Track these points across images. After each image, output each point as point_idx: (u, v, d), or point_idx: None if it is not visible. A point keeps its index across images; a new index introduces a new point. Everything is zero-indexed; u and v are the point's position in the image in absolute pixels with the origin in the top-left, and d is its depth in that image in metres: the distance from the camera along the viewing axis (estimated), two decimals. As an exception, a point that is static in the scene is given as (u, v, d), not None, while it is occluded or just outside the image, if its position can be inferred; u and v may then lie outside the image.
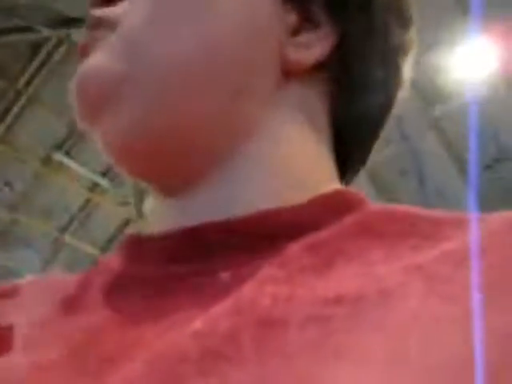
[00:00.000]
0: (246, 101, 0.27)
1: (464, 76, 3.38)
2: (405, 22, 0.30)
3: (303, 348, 0.18)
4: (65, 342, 0.23)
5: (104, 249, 4.75)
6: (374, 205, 0.26)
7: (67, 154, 4.15)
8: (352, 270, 0.21)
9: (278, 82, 0.27)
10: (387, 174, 4.00)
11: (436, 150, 3.81)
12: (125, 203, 4.29)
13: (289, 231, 0.24)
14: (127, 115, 0.26)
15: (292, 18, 0.27)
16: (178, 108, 0.26)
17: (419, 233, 0.23)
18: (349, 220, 0.24)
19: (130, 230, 0.30)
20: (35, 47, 3.69)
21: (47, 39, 3.65)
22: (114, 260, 0.28)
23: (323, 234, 0.24)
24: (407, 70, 0.31)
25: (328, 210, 0.25)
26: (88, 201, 4.50)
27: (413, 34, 0.31)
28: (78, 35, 3.53)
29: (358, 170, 0.32)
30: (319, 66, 0.28)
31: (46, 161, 4.19)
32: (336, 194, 0.26)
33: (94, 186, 4.43)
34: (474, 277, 0.19)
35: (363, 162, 0.32)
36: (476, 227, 0.21)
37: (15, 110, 3.87)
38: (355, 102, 0.29)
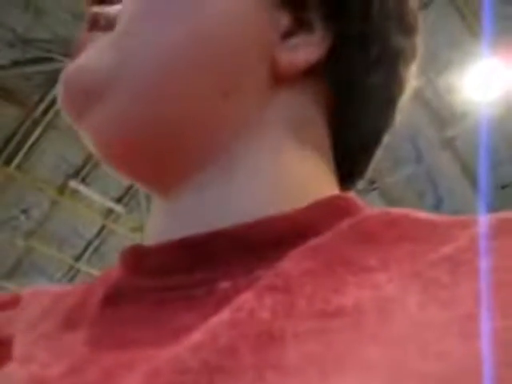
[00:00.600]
0: (235, 102, 0.26)
1: (477, 96, 3.38)
2: (406, 29, 0.30)
3: (302, 361, 0.18)
4: (65, 356, 0.23)
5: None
6: (372, 209, 0.25)
7: (83, 181, 4.20)
8: (350, 278, 0.21)
9: (270, 84, 0.27)
10: (403, 195, 3.97)
11: (451, 170, 3.78)
12: (139, 229, 4.30)
13: (286, 238, 0.24)
14: (112, 110, 0.25)
15: (285, 21, 0.27)
16: (164, 105, 0.25)
17: (417, 237, 0.22)
18: (345, 225, 0.24)
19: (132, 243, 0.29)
20: (53, 77, 3.77)
21: (63, 69, 3.73)
22: (115, 272, 0.28)
23: (321, 240, 0.23)
24: (410, 77, 0.30)
25: (325, 215, 0.25)
26: (102, 227, 4.52)
27: (416, 41, 0.30)
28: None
29: (360, 177, 0.32)
30: (314, 71, 0.27)
31: (62, 188, 4.23)
32: (333, 199, 0.26)
33: (108, 213, 4.46)
34: (475, 281, 0.18)
35: (364, 169, 0.31)
36: (475, 230, 0.21)
37: (32, 138, 3.94)
38: (353, 107, 0.28)
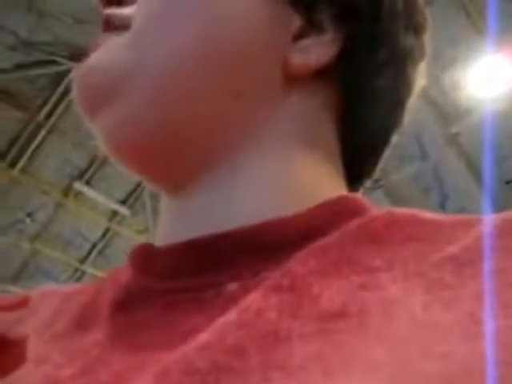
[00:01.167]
0: (246, 103, 0.26)
1: (481, 92, 3.36)
2: (415, 28, 0.29)
3: (308, 361, 0.18)
4: (77, 357, 0.23)
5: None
6: (378, 209, 0.25)
7: (87, 183, 4.21)
8: (355, 278, 0.21)
9: (281, 85, 0.27)
10: (408, 192, 3.95)
11: (456, 166, 3.77)
12: (144, 231, 4.30)
13: (293, 240, 0.24)
14: (125, 109, 0.26)
15: (296, 22, 0.27)
16: (176, 105, 0.26)
17: (422, 237, 0.22)
18: (352, 225, 0.24)
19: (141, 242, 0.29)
20: (56, 80, 3.78)
21: (67, 71, 3.74)
22: (124, 272, 0.28)
23: (327, 241, 0.23)
24: (418, 77, 0.30)
25: (332, 216, 0.25)
26: (107, 230, 4.53)
27: (424, 40, 0.30)
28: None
29: (367, 178, 0.32)
30: (324, 73, 0.27)
31: (67, 191, 4.24)
32: (340, 200, 0.26)
33: (113, 215, 4.46)
34: (479, 281, 0.18)
35: (372, 169, 0.31)
36: (480, 230, 0.21)
37: (36, 141, 3.95)
38: (362, 109, 0.28)
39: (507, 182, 3.72)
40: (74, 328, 0.26)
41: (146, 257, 0.27)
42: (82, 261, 4.62)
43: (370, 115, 0.29)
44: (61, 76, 3.75)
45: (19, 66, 3.52)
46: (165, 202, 0.29)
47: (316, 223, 0.24)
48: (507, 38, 2.83)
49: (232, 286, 0.23)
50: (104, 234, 4.55)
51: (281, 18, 0.27)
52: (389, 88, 0.29)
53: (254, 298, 0.21)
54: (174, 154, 0.26)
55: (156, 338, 0.23)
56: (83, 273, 4.68)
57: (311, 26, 0.27)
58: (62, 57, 3.53)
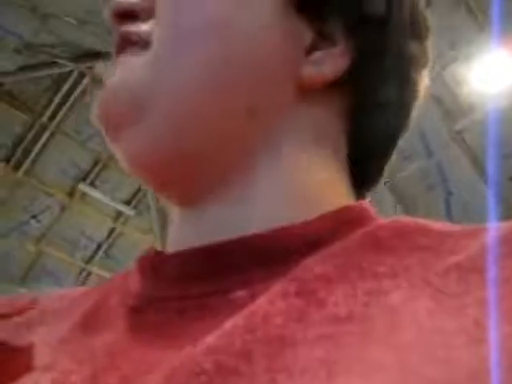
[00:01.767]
0: (261, 118, 0.27)
1: (485, 88, 3.35)
2: (420, 34, 0.30)
3: (313, 364, 0.18)
4: (85, 362, 0.23)
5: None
6: (384, 219, 0.26)
7: (91, 184, 4.22)
8: (360, 284, 0.21)
9: (294, 99, 0.27)
10: (413, 189, 3.95)
11: (460, 163, 3.75)
12: (148, 231, 4.31)
13: (301, 247, 0.24)
14: (149, 130, 0.26)
15: (308, 36, 0.27)
16: (197, 123, 0.26)
17: (427, 246, 0.23)
18: (358, 234, 0.24)
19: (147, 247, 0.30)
20: (59, 81, 3.79)
21: (70, 73, 3.75)
22: (130, 277, 0.28)
23: (333, 249, 0.24)
24: (424, 82, 0.31)
25: (338, 225, 0.25)
26: (112, 230, 4.54)
27: (428, 44, 0.31)
28: (100, 68, 3.62)
29: (375, 183, 0.32)
30: (335, 84, 0.28)
31: (72, 192, 4.26)
32: (345, 210, 0.27)
33: (117, 215, 4.48)
34: (484, 289, 0.19)
35: (380, 174, 0.32)
36: (485, 239, 0.21)
37: (40, 143, 3.96)
38: (371, 120, 0.29)
39: (511, 179, 3.70)
40: (81, 333, 0.26)
41: (155, 262, 0.27)
42: (88, 261, 4.64)
43: (378, 122, 0.29)
44: (64, 77, 3.77)
45: (23, 68, 3.53)
46: (176, 211, 0.29)
47: (322, 233, 0.25)
48: (510, 34, 2.82)
49: (240, 293, 0.23)
50: (109, 235, 4.56)
51: (293, 33, 0.27)
52: (395, 94, 0.29)
53: (260, 303, 0.22)
54: (193, 170, 0.27)
55: (165, 344, 0.23)
56: (89, 273, 4.70)
57: (323, 39, 0.28)
58: (65, 58, 3.54)
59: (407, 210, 3.95)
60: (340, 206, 0.27)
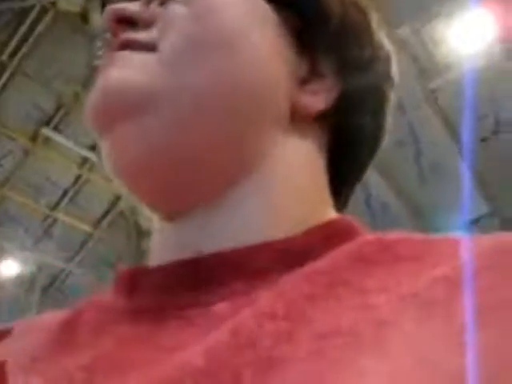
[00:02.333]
0: (258, 135, 0.28)
1: (462, 47, 3.29)
2: (391, 84, 0.33)
3: (303, 378, 0.19)
4: (59, 381, 0.23)
5: (96, 225, 4.72)
6: (368, 234, 0.27)
7: (55, 128, 4.07)
8: (348, 301, 0.22)
9: (286, 123, 0.29)
10: (383, 145, 3.95)
11: (432, 122, 3.75)
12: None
13: (284, 262, 0.25)
14: (149, 125, 0.27)
15: (303, 69, 0.30)
16: (192, 129, 0.27)
17: (413, 258, 0.23)
18: (344, 250, 0.25)
19: (122, 267, 0.30)
20: (19, 16, 3.55)
21: (32, 7, 3.51)
22: (106, 296, 0.29)
23: (319, 265, 0.24)
24: (390, 123, 0.34)
25: (322, 240, 0.26)
26: (78, 177, 4.44)
27: (393, 96, 0.34)
28: (65, 3, 3.40)
29: (350, 193, 0.34)
30: (321, 115, 0.30)
31: (34, 137, 4.11)
32: (331, 224, 0.28)
33: (83, 162, 4.36)
34: (467, 298, 0.19)
35: (351, 193, 0.35)
36: (470, 249, 0.22)
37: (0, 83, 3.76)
38: (348, 150, 0.32)
39: (483, 140, 3.73)
40: (56, 352, 0.26)
41: (132, 278, 0.28)
42: (53, 208, 4.55)
43: (354, 152, 0.32)
44: (27, 12, 3.53)
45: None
46: (158, 224, 0.30)
47: (307, 247, 0.26)
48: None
49: (221, 305, 0.24)
50: (75, 181, 4.46)
51: (292, 63, 0.30)
52: (372, 131, 0.32)
53: (246, 322, 0.22)
54: (186, 177, 0.28)
55: (142, 356, 0.23)
56: (54, 220, 4.62)
57: (315, 73, 0.30)
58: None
59: (377, 164, 3.97)
60: (324, 220, 0.28)
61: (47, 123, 4.04)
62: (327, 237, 0.27)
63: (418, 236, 0.25)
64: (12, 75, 3.76)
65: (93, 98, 0.28)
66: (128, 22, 0.29)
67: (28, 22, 3.56)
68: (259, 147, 0.28)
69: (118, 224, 4.47)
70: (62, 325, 0.28)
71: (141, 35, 0.29)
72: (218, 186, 0.28)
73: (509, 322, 0.18)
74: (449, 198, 3.57)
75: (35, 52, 3.67)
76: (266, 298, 0.23)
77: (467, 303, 0.19)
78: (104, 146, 0.28)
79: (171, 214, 0.28)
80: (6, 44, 3.64)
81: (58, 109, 4.00)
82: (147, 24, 0.29)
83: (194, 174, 0.27)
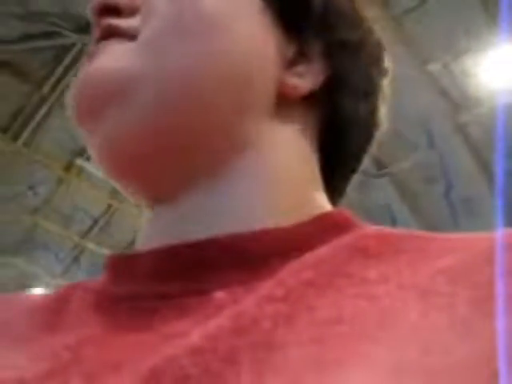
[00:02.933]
0: (245, 117, 0.28)
1: (493, 82, 3.30)
2: (381, 71, 0.34)
3: (303, 365, 0.18)
4: (44, 359, 0.23)
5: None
6: (366, 227, 0.27)
7: (88, 159, 4.18)
8: (349, 290, 0.22)
9: (275, 105, 0.29)
10: (413, 180, 3.92)
11: (463, 156, 3.72)
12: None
13: (283, 250, 0.25)
14: (132, 112, 0.26)
15: (290, 51, 0.30)
16: (180, 115, 0.27)
17: (415, 248, 0.23)
18: (343, 241, 0.25)
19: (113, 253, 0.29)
20: (61, 53, 3.73)
21: (73, 45, 3.69)
22: (96, 280, 0.28)
23: (319, 254, 0.24)
24: (384, 113, 0.34)
25: (322, 230, 0.26)
26: (109, 206, 4.52)
27: (386, 83, 0.34)
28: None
29: (342, 193, 0.34)
30: (311, 99, 0.30)
31: (68, 166, 4.22)
32: (329, 215, 0.28)
33: (114, 191, 4.45)
34: (473, 290, 0.19)
35: (346, 184, 0.34)
36: (473, 243, 0.22)
37: (40, 114, 3.92)
38: (341, 133, 0.32)
39: (514, 175, 3.67)
40: (40, 331, 0.26)
41: (124, 263, 0.27)
42: (83, 236, 4.62)
43: (346, 135, 0.32)
44: (66, 49, 3.71)
45: (25, 37, 3.47)
46: (150, 209, 0.29)
47: (305, 237, 0.25)
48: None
49: (219, 294, 0.23)
50: (106, 211, 4.54)
51: (279, 44, 0.30)
52: (363, 117, 0.32)
53: (247, 307, 0.21)
54: (170, 162, 0.27)
55: (134, 339, 0.22)
56: (83, 248, 4.68)
57: (303, 56, 0.30)
58: (69, 29, 3.48)
59: (407, 200, 3.93)
60: (322, 211, 0.28)
61: (81, 154, 4.16)
62: (326, 227, 0.26)
63: (419, 232, 0.25)
64: (51, 108, 3.92)
65: (72, 92, 0.28)
66: (113, 11, 0.29)
67: (69, 58, 3.74)
68: (246, 129, 0.28)
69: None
70: (48, 306, 0.28)
71: (123, 22, 0.28)
72: (207, 169, 0.27)
73: None
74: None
75: (74, 86, 3.83)
76: (265, 284, 0.22)
77: (470, 294, 0.19)
78: (90, 141, 0.28)
79: (159, 200, 0.28)
80: (47, 78, 3.81)
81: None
82: (131, 12, 0.29)
83: (182, 157, 0.27)
